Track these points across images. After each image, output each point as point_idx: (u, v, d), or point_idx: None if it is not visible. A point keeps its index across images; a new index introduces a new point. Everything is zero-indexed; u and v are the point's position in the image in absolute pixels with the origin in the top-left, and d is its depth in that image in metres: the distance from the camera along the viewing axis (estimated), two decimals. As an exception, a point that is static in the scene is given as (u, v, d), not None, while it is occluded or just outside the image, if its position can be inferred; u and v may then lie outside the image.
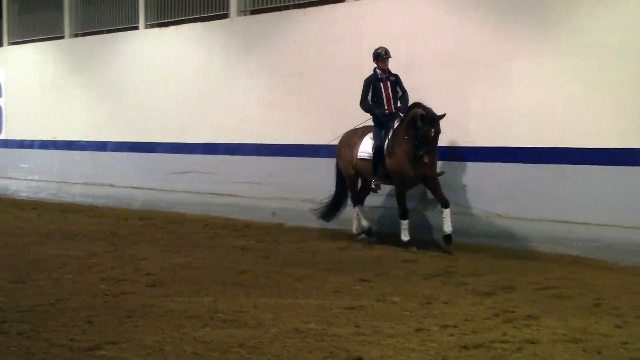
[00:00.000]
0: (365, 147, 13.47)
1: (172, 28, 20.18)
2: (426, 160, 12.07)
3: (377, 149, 13.09)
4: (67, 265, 11.57)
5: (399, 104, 13.38)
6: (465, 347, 7.12)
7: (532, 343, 7.25)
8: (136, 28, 21.11)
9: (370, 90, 13.31)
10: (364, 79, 13.48)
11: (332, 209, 14.44)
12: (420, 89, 12.93)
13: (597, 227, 12.26)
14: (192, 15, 19.82)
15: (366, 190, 14.07)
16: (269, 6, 18.14)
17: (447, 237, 12.35)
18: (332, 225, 14.55)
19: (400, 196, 12.95)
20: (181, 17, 20.10)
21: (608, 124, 12.47)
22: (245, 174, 17.94)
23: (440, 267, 10.98)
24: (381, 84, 13.26)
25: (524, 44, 13.17)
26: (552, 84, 12.93)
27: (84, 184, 22.01)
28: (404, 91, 13.37)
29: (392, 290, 9.61)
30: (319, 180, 16.23)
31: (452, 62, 13.95)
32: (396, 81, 13.36)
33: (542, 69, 13.01)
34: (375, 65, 13.43)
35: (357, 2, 16.24)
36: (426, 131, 11.98)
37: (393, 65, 13.80)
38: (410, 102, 12.99)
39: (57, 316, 8.51)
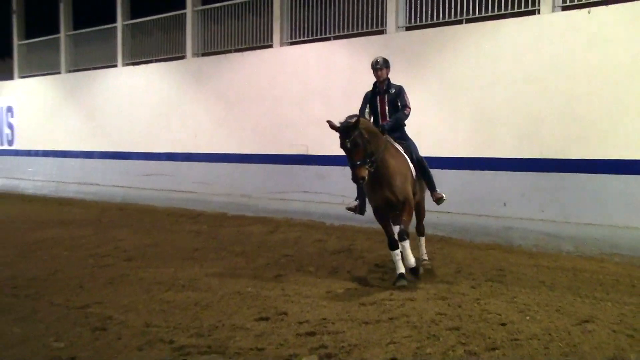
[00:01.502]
0: None
1: (142, 66, 19.98)
2: (357, 174, 7.74)
3: None
4: (63, 244, 11.35)
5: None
6: (363, 304, 7.15)
7: (412, 300, 7.30)
8: (115, 66, 20.84)
9: (368, 105, 9.01)
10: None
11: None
12: (326, 114, 12.82)
13: (457, 215, 12.46)
14: (157, 56, 19.63)
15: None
16: (215, 50, 18.08)
17: (412, 270, 8.23)
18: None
19: (380, 223, 8.48)
20: (149, 58, 19.90)
21: (460, 139, 12.70)
22: (197, 175, 17.85)
23: (344, 245, 10.98)
24: (377, 97, 8.93)
25: (403, 84, 13.32)
26: (423, 111, 13.10)
27: (77, 183, 21.63)
28: (403, 106, 8.83)
29: (308, 262, 9.59)
30: (253, 180, 16.22)
31: (350, 93, 13.67)
32: (396, 94, 8.86)
33: (416, 101, 13.10)
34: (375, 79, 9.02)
35: (281, 47, 16.27)
36: (341, 143, 7.86)
37: (304, 94, 13.84)
38: (406, 118, 8.97)
39: (55, 283, 8.36)
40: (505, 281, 8.27)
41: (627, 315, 6.65)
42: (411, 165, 8.60)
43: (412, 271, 8.21)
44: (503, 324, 6.33)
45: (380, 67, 8.85)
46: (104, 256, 10.25)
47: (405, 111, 8.79)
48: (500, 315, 6.65)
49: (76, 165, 22.12)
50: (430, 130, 13.06)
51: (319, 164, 15.11)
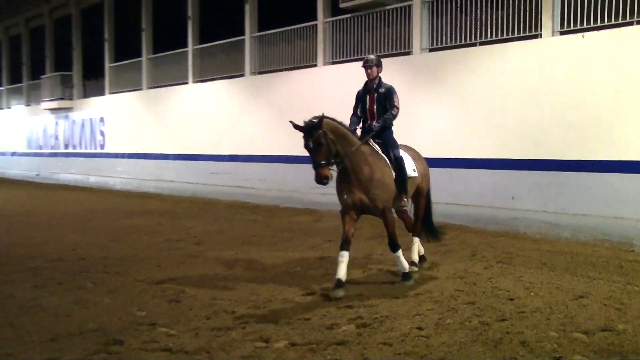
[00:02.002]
0: None
1: (208, 83, 20.13)
2: (320, 175, 6.49)
3: None
4: (144, 230, 11.52)
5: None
6: (393, 282, 7.15)
7: (434, 279, 7.28)
8: (186, 83, 21.04)
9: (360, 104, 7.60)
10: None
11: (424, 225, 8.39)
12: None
13: (472, 207, 12.34)
14: (221, 74, 19.77)
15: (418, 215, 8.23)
16: (269, 69, 18.16)
17: (405, 275, 7.12)
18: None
19: (342, 220, 7.01)
20: (214, 76, 20.05)
21: (474, 143, 12.59)
22: (254, 174, 17.92)
23: (376, 232, 10.90)
24: (367, 96, 7.50)
25: (427, 97, 13.24)
26: (443, 119, 13.03)
27: (155, 180, 21.88)
28: (391, 106, 7.37)
29: (346, 247, 9.59)
30: (301, 177, 16.22)
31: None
32: (386, 94, 7.40)
33: (437, 111, 13.09)
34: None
35: (323, 66, 16.28)
36: (304, 143, 6.83)
37: (343, 106, 13.83)
38: (392, 121, 7.47)
39: (138, 262, 8.49)
40: (513, 263, 8.20)
41: (615, 292, 6.59)
42: (391, 167, 7.19)
43: (405, 276, 7.10)
44: (511, 299, 6.30)
45: (370, 64, 7.47)
46: (177, 241, 10.38)
47: (392, 111, 7.38)
48: (509, 291, 6.61)
49: (154, 165, 22.38)
50: (448, 135, 12.98)
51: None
